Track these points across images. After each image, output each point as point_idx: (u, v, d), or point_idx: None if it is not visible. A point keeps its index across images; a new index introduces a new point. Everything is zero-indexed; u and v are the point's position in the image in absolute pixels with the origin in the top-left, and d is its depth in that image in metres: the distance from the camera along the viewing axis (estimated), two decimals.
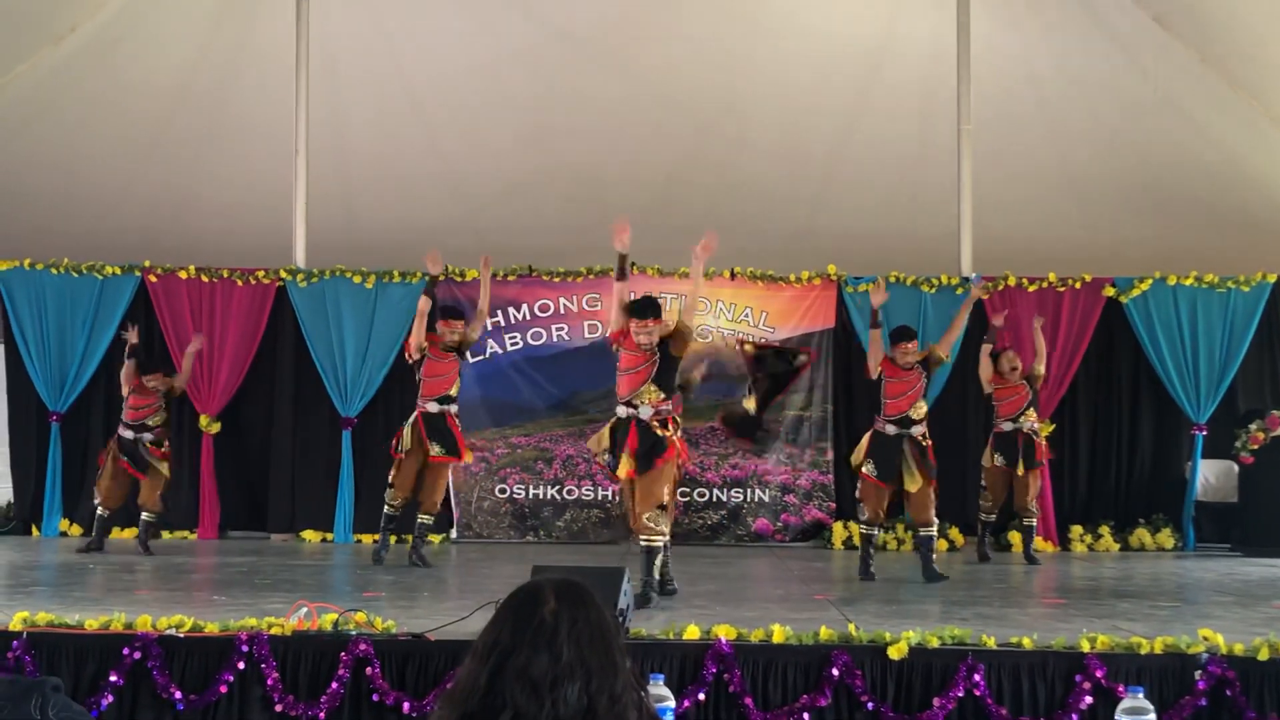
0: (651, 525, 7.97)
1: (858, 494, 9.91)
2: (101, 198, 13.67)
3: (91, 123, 13.50)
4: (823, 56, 13.14)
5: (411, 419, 10.37)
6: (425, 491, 10.36)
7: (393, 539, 10.70)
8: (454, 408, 10.39)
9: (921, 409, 9.69)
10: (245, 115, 13.43)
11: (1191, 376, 12.57)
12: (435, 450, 10.21)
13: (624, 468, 8.04)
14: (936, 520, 9.76)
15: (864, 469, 9.69)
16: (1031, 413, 11.10)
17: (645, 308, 8.16)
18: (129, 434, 11.22)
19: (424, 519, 10.40)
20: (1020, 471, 10.99)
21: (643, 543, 8.03)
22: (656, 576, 8.02)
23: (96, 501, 11.35)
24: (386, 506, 10.43)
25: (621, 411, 8.19)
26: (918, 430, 9.61)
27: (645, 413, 8.08)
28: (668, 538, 8.16)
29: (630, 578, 6.31)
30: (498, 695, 2.21)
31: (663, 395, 8.14)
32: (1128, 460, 12.90)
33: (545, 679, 2.20)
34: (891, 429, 9.60)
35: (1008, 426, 11.04)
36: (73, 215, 13.63)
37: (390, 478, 10.43)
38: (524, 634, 2.26)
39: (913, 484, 9.50)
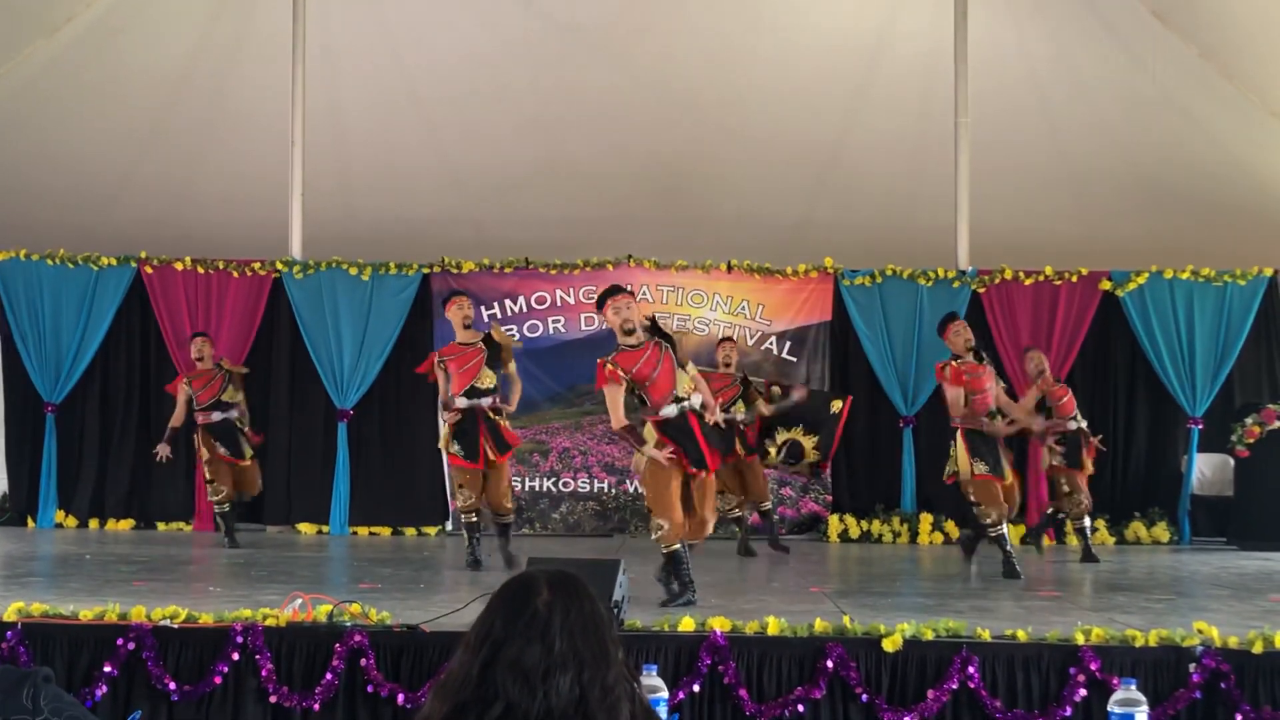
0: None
1: (975, 499, 9.24)
2: (98, 189, 13.66)
3: (87, 114, 13.49)
4: (822, 50, 13.13)
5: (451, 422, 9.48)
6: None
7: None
8: (486, 401, 9.36)
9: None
10: (242, 107, 13.41)
11: (1187, 370, 12.58)
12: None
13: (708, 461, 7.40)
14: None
15: (977, 470, 9.16)
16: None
17: (614, 289, 7.81)
18: (217, 416, 10.99)
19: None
20: (1084, 471, 10.80)
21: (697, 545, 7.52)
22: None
23: (215, 499, 11.04)
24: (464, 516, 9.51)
25: (671, 410, 7.37)
26: (1001, 423, 9.38)
27: (696, 401, 7.43)
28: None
29: (625, 569, 6.30)
30: (490, 686, 2.20)
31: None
32: (1123, 454, 12.90)
33: (537, 670, 2.20)
34: (984, 422, 9.26)
35: (1072, 425, 10.67)
36: (69, 206, 13.61)
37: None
38: (517, 624, 2.25)
39: (1008, 477, 9.31)
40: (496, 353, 9.54)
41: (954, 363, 9.38)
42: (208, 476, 11.03)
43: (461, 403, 9.31)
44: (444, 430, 9.66)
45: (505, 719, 2.17)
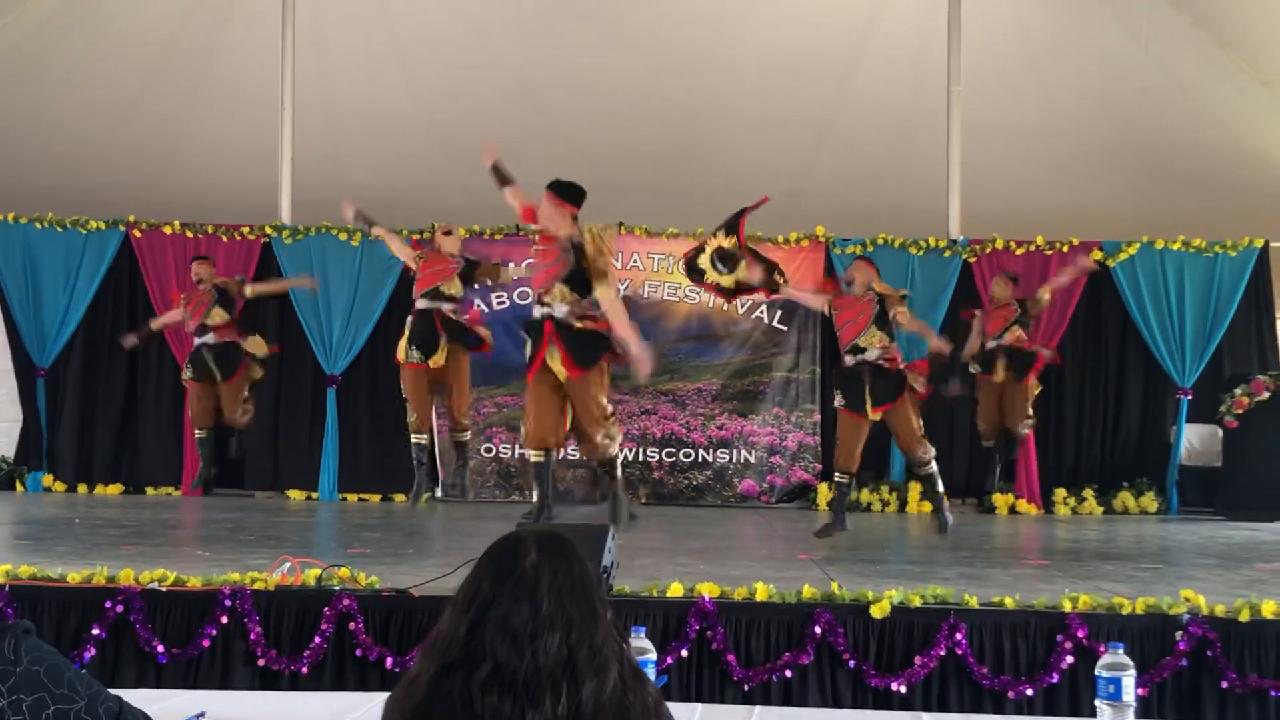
0: (608, 440, 7.87)
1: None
2: (86, 152, 13.59)
3: (77, 77, 13.40)
4: (815, 17, 13.08)
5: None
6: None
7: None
8: (448, 305, 9.52)
9: (874, 337, 8.82)
10: (232, 70, 13.34)
11: (1177, 341, 12.59)
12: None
13: (555, 367, 7.87)
14: (931, 453, 8.98)
15: (836, 403, 9.04)
16: (1017, 329, 11.14)
17: (563, 189, 8.12)
18: (195, 341, 11.22)
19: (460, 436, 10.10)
20: (1005, 382, 11.03)
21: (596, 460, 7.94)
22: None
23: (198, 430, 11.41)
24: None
25: (536, 312, 8.08)
26: (872, 356, 8.79)
27: (560, 310, 7.94)
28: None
29: (614, 535, 6.30)
30: (478, 646, 2.20)
31: (579, 298, 7.92)
32: (1113, 424, 12.94)
33: (525, 630, 2.20)
34: (849, 359, 8.90)
35: (990, 344, 11.01)
36: (57, 169, 13.55)
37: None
38: (504, 585, 2.24)
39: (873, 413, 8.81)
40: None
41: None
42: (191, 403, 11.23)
43: (422, 304, 9.47)
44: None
45: (493, 679, 2.16)
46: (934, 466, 8.99)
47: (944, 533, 8.98)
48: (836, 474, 9.20)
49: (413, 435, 9.60)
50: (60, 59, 13.28)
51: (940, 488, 9.07)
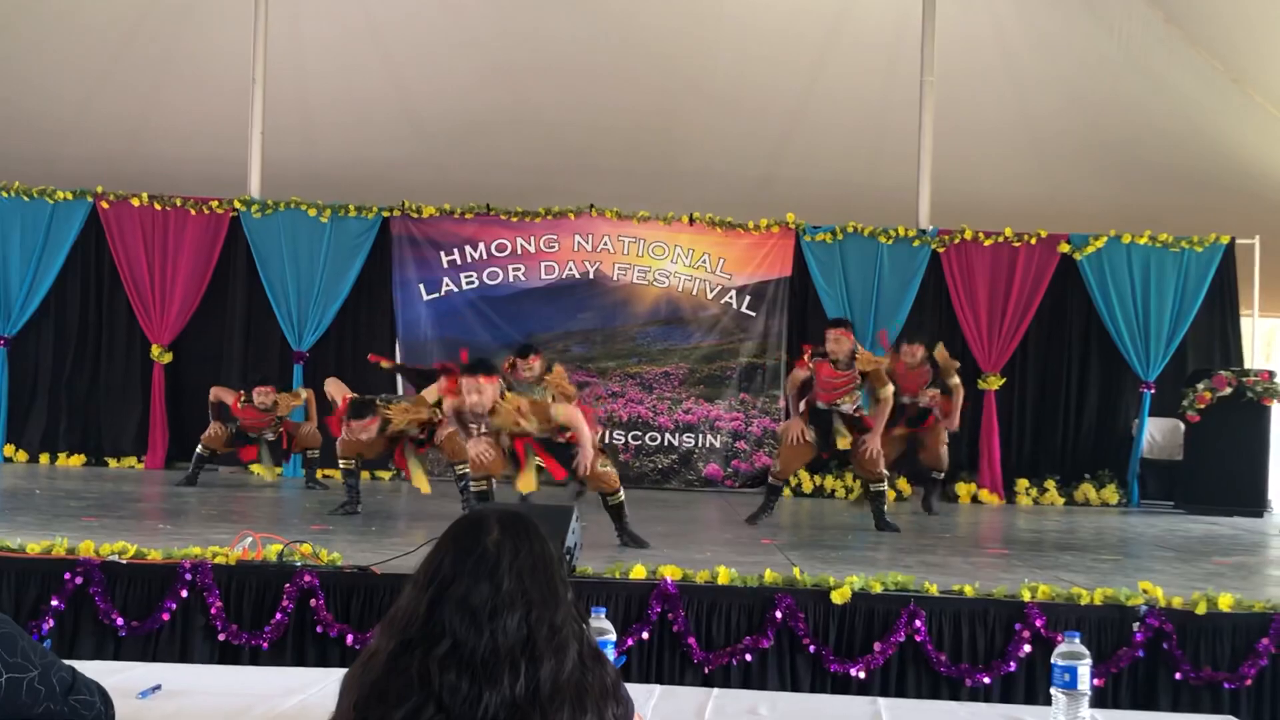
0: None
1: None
2: (55, 123, 13.50)
3: (47, 46, 13.28)
4: (789, 4, 13.08)
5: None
6: None
7: None
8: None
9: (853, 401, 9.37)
10: (203, 43, 13.25)
11: (1142, 335, 12.67)
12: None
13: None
14: (885, 474, 9.49)
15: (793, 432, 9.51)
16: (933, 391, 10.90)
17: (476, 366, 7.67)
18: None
19: None
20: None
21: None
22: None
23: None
24: None
25: None
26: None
27: None
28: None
29: (579, 516, 6.31)
30: (437, 623, 2.20)
31: None
32: (1075, 416, 13.01)
33: (485, 608, 2.20)
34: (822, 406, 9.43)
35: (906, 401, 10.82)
36: (25, 139, 13.43)
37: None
38: (465, 563, 2.25)
39: (844, 442, 9.29)
40: None
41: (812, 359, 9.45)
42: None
43: None
44: None
45: (451, 656, 2.17)
46: (884, 486, 9.44)
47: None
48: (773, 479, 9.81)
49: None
50: (30, 30, 13.15)
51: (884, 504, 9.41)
